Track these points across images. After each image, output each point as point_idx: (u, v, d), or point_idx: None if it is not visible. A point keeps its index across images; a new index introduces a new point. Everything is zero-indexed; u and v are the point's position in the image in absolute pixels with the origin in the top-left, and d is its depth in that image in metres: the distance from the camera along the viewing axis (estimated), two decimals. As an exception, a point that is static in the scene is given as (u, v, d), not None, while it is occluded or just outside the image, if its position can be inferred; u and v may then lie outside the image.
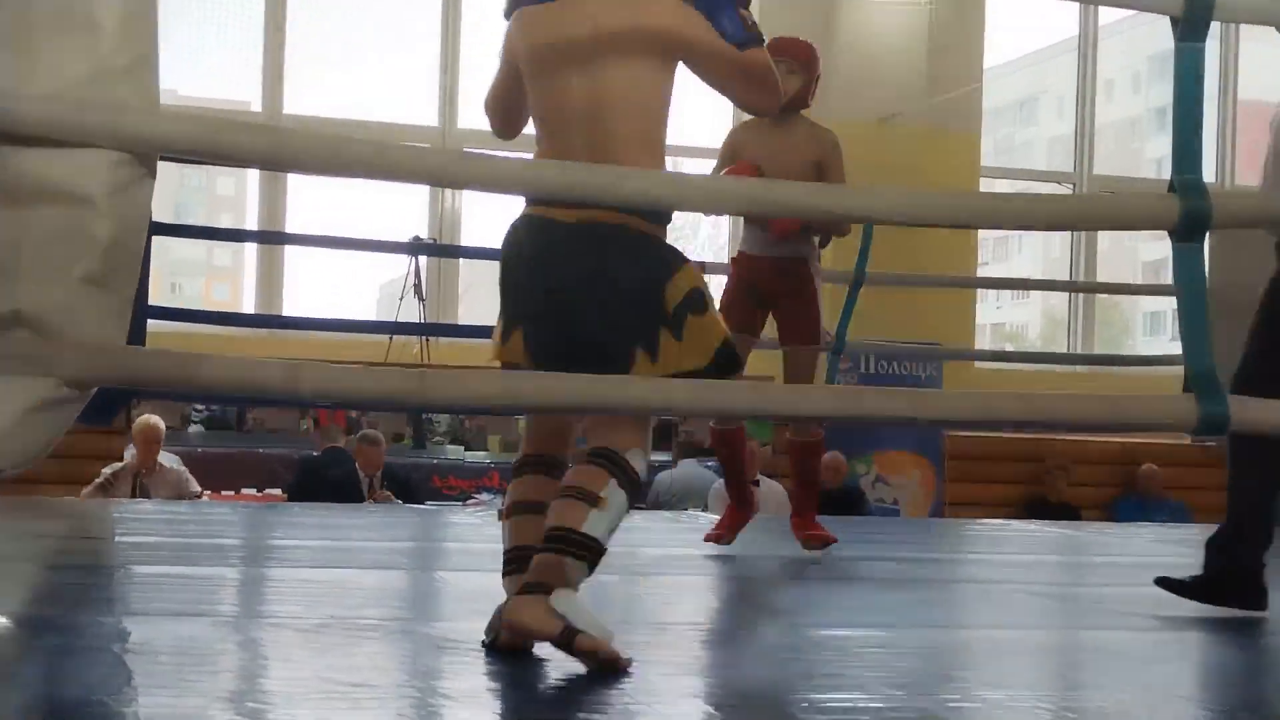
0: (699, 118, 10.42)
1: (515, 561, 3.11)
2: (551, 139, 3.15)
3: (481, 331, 7.89)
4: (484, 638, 3.08)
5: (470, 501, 8.99)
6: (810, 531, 5.26)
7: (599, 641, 2.87)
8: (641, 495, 4.58)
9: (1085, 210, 3.05)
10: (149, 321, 6.09)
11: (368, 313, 11.11)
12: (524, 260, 3.13)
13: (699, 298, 3.08)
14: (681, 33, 3.11)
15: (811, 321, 5.20)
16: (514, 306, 3.17)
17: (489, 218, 10.21)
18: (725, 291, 5.26)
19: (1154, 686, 2.96)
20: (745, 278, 5.23)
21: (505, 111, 3.35)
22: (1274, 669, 3.51)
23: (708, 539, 5.31)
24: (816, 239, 5.27)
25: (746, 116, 4.97)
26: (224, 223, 12.65)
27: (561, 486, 3.03)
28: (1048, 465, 9.85)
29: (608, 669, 2.84)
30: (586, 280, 3.03)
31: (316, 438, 9.07)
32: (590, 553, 2.96)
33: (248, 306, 10.10)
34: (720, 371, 3.06)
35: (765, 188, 3.24)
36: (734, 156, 5.17)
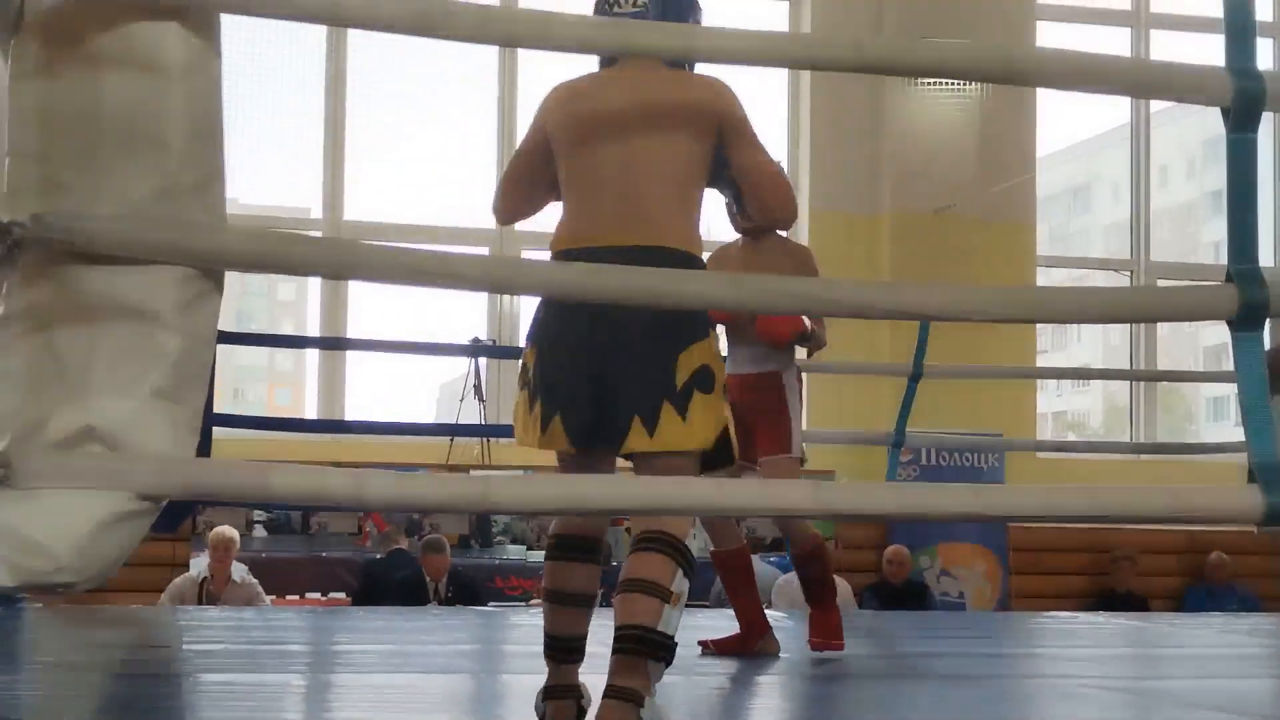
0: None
1: (560, 650, 3.11)
2: (581, 202, 3.17)
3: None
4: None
5: (533, 601, 8.98)
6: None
7: None
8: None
9: (1141, 302, 3.06)
10: (214, 428, 6.16)
11: (429, 414, 11.17)
12: (556, 340, 3.11)
13: (708, 376, 3.07)
14: (730, 110, 3.17)
15: (783, 433, 4.95)
16: (549, 395, 3.11)
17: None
18: None
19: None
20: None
21: (518, 188, 3.36)
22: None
23: (707, 644, 5.09)
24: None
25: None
26: (285, 328, 12.78)
27: (627, 579, 3.01)
28: (1114, 555, 9.75)
29: None
30: (607, 350, 3.02)
31: (379, 541, 9.10)
32: (668, 651, 2.97)
33: (310, 411, 10.19)
34: (717, 462, 3.07)
35: (823, 286, 3.26)
36: None
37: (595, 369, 3.03)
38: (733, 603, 5.17)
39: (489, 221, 10.66)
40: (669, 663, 2.98)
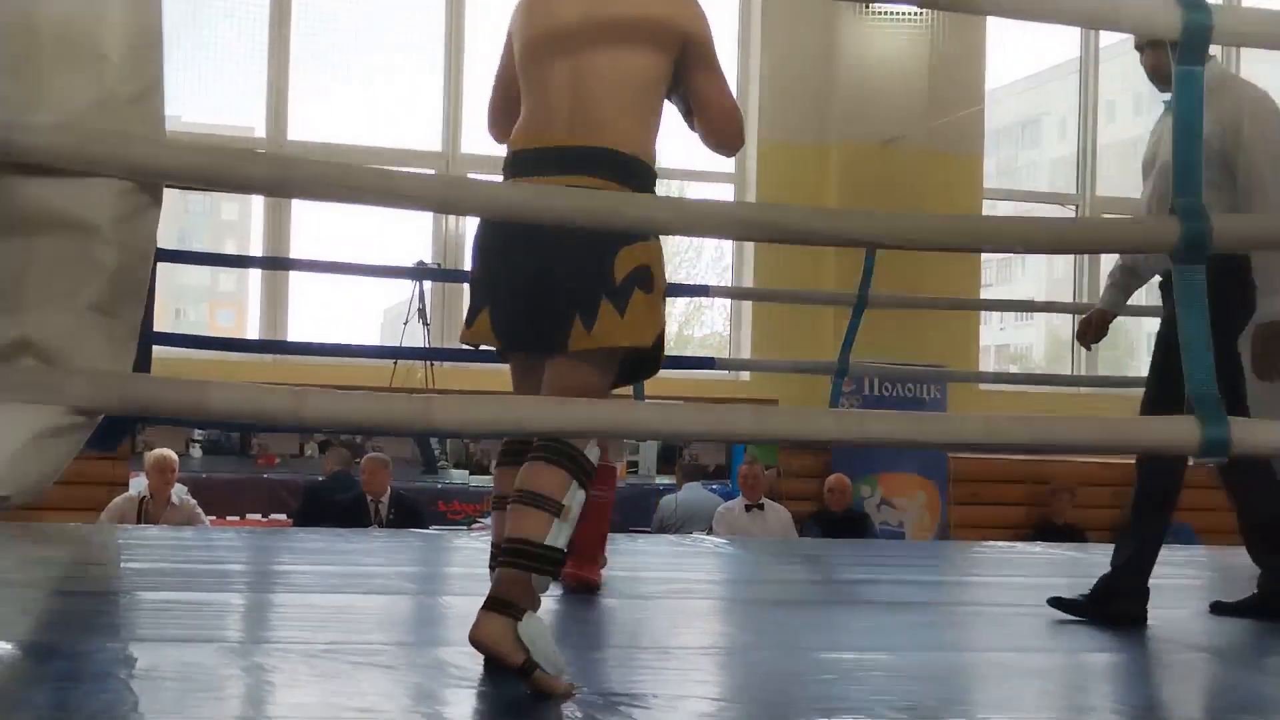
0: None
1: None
2: (535, 105, 3.18)
3: (487, 356, 7.92)
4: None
5: (476, 526, 8.99)
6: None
7: (554, 683, 2.88)
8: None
9: (1086, 233, 3.06)
10: (154, 347, 6.11)
11: (372, 338, 11.13)
12: (493, 238, 3.14)
13: (648, 276, 3.07)
14: (696, 30, 3.16)
15: None
16: (483, 289, 3.17)
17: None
18: None
19: (1158, 707, 2.96)
20: None
21: (504, 106, 3.35)
22: (1275, 687, 3.51)
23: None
24: None
25: None
26: (228, 248, 12.66)
27: (519, 490, 2.99)
28: (1053, 488, 9.85)
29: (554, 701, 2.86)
30: (545, 249, 3.03)
31: (325, 463, 9.09)
32: (554, 565, 2.97)
33: (252, 332, 10.12)
34: (651, 364, 3.09)
35: (770, 211, 3.25)
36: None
37: (533, 266, 3.05)
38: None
39: (435, 144, 10.56)
40: (556, 574, 2.98)
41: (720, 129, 3.26)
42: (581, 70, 3.12)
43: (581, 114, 3.09)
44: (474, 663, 3.12)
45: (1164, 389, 4.18)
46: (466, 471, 9.75)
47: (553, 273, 3.03)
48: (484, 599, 2.96)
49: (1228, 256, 4.11)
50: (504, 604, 2.92)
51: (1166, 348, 4.25)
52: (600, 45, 3.12)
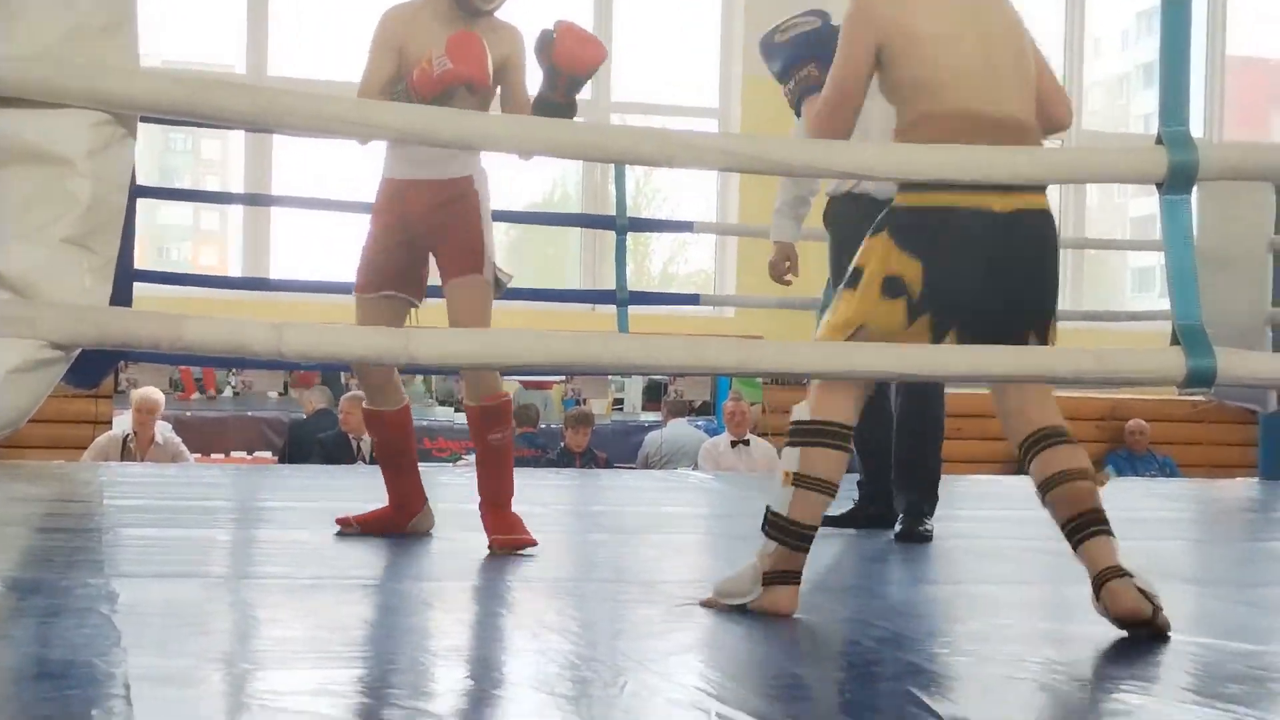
0: (686, 76, 10.39)
1: (809, 539, 3.11)
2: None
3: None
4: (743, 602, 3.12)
5: (459, 463, 8.99)
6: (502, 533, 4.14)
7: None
8: None
9: (1072, 163, 3.04)
10: (136, 285, 6.07)
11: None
12: (962, 254, 2.99)
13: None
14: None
15: (476, 248, 4.10)
16: (942, 307, 2.98)
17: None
18: (370, 241, 4.27)
19: (1140, 638, 2.97)
20: (396, 217, 4.19)
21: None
22: (1259, 621, 3.52)
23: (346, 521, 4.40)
24: None
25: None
26: (210, 186, 12.56)
27: (1069, 469, 3.09)
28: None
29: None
30: (1025, 263, 3.01)
31: (307, 401, 9.07)
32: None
33: (235, 271, 10.07)
34: None
35: (745, 142, 3.22)
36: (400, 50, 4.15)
37: (1005, 287, 2.99)
38: (386, 471, 4.47)
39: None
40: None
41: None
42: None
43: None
44: (459, 594, 3.12)
45: None
46: (451, 409, 9.74)
47: (1025, 289, 3.04)
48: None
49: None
50: (1122, 571, 2.98)
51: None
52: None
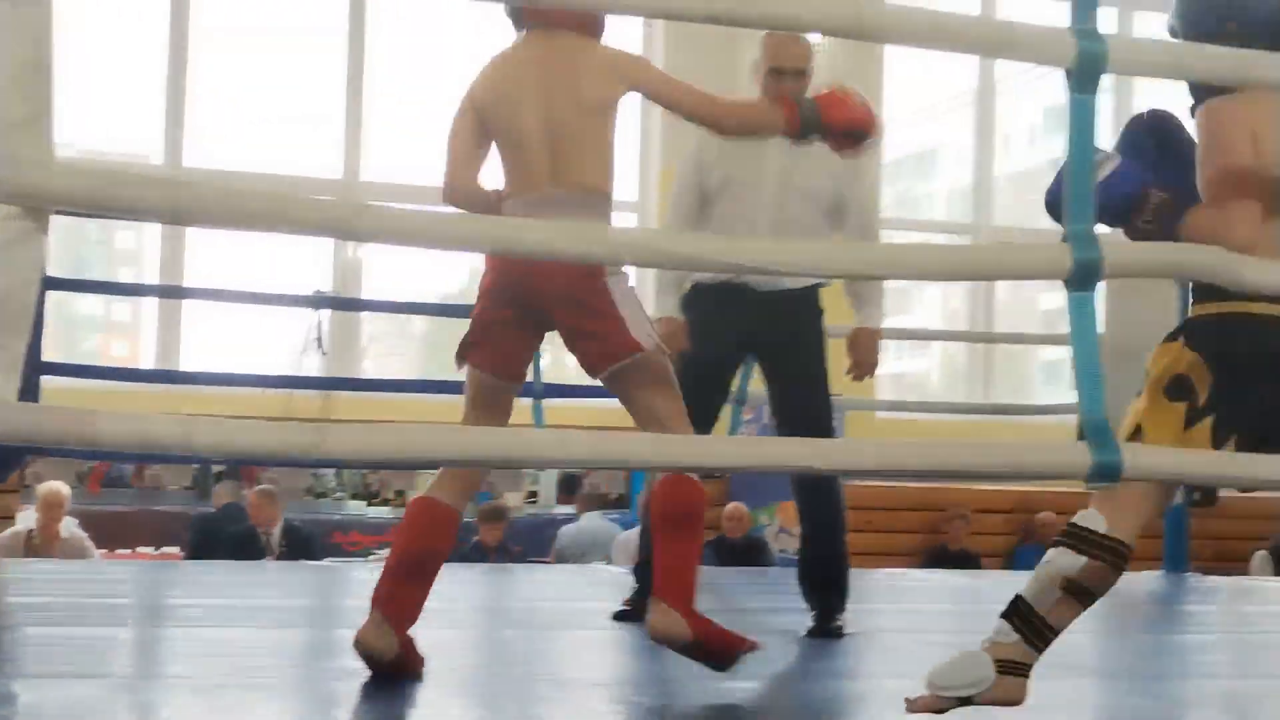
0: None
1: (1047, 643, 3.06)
2: None
3: (385, 385, 7.86)
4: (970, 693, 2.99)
5: (373, 558, 8.90)
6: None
7: None
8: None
9: (980, 260, 3.08)
10: (44, 378, 6.00)
11: (269, 369, 10.99)
12: (1254, 361, 2.93)
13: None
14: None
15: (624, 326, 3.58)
16: (1233, 413, 2.92)
17: (392, 271, 10.16)
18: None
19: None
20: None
21: None
22: (1164, 716, 3.55)
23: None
24: None
25: None
26: (123, 278, 12.45)
27: None
28: (948, 514, 9.93)
29: None
30: None
31: (216, 495, 8.97)
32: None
33: (146, 363, 9.97)
34: None
35: (658, 238, 3.24)
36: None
37: None
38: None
39: (336, 170, 10.44)
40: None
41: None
42: None
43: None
44: (366, 694, 3.08)
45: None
46: (364, 502, 9.66)
47: None
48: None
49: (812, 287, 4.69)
50: None
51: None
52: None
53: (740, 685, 3.59)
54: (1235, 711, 3.50)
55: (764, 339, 4.71)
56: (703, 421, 4.60)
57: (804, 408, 4.62)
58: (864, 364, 4.93)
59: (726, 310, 4.65)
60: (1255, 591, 7.00)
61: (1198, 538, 8.13)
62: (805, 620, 4.65)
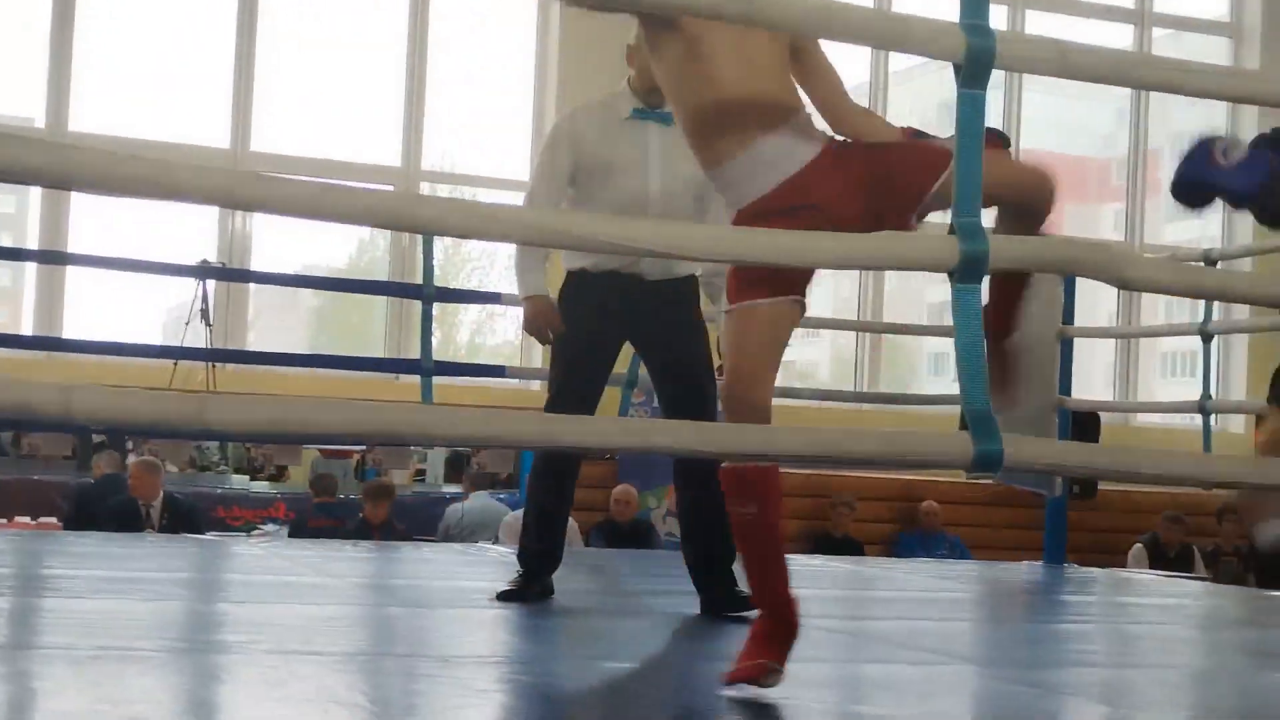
0: (498, 148, 10.43)
1: None
2: None
3: (270, 358, 7.77)
4: None
5: (256, 533, 8.81)
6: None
7: None
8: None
9: (867, 250, 3.10)
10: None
11: (153, 338, 10.83)
12: None
13: None
14: None
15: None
16: None
17: (280, 242, 10.07)
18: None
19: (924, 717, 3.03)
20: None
21: None
22: (1041, 703, 3.61)
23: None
24: None
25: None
26: (3, 242, 12.22)
27: None
28: (832, 501, 10.03)
29: None
30: None
31: (96, 466, 8.83)
32: None
33: (27, 329, 9.79)
34: None
35: (550, 217, 3.24)
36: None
37: None
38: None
39: (224, 141, 10.30)
40: None
41: None
42: None
43: None
44: (248, 667, 3.05)
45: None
46: (247, 476, 9.56)
47: None
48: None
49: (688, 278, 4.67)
50: None
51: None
52: None
53: (623, 665, 3.60)
54: (1109, 699, 3.57)
55: (651, 326, 4.69)
56: (587, 405, 4.60)
57: (694, 393, 4.62)
58: None
59: (614, 297, 4.64)
60: (1131, 583, 7.14)
61: (1077, 530, 8.29)
62: (691, 602, 4.67)
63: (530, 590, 4.69)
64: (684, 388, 4.66)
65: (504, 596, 4.68)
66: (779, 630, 3.12)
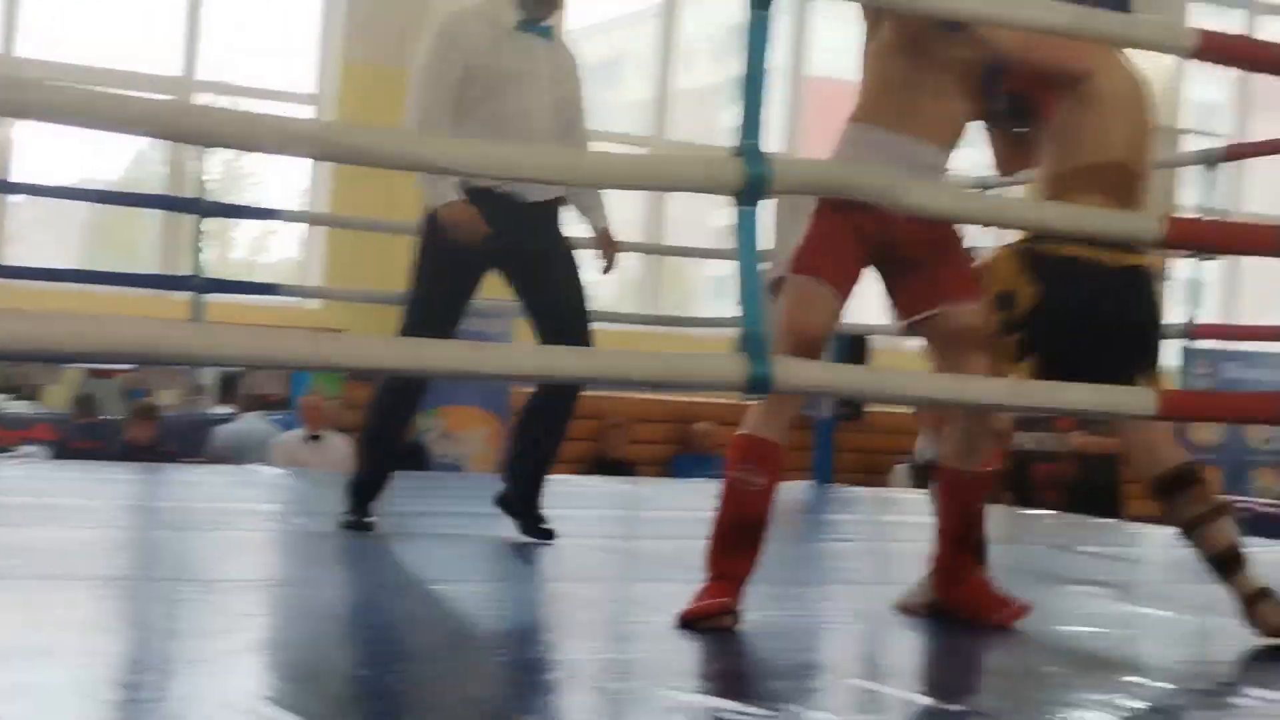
0: (283, 59, 10.15)
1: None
2: None
3: (29, 273, 7.46)
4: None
5: (16, 454, 8.51)
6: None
7: None
8: None
9: (648, 170, 3.09)
10: None
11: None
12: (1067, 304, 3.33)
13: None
14: None
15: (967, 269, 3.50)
16: (1044, 343, 3.36)
17: (50, 153, 9.70)
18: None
19: (701, 637, 3.05)
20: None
21: None
22: (803, 614, 3.67)
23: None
24: None
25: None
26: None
27: (1206, 511, 3.39)
28: (607, 422, 10.06)
29: None
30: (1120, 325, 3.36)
31: None
32: None
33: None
34: None
35: (339, 131, 3.14)
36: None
37: (1098, 334, 3.40)
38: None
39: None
40: None
41: None
42: None
43: None
44: (3, 591, 2.93)
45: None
46: (6, 396, 9.20)
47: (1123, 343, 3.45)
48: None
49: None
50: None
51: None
52: None
53: (398, 587, 3.56)
54: (870, 617, 3.64)
55: (529, 247, 4.47)
56: (447, 328, 4.44)
57: (572, 312, 4.49)
58: (614, 260, 4.83)
59: (495, 217, 4.33)
60: (895, 502, 7.32)
61: (843, 450, 8.47)
62: (461, 524, 4.65)
63: (370, 518, 4.59)
64: (568, 307, 4.50)
65: (348, 526, 4.55)
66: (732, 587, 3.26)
